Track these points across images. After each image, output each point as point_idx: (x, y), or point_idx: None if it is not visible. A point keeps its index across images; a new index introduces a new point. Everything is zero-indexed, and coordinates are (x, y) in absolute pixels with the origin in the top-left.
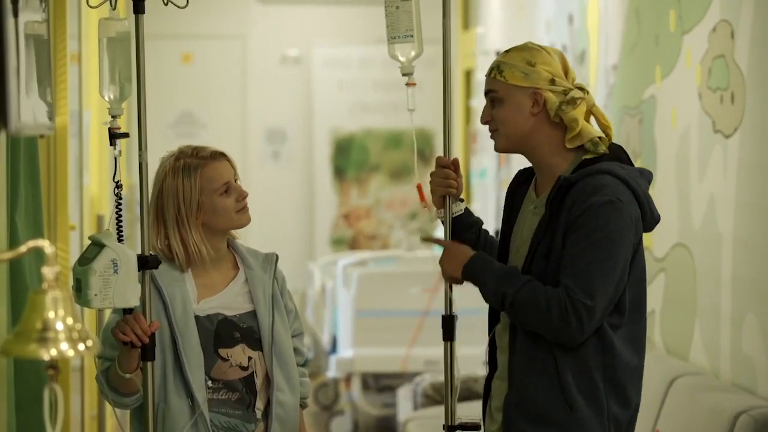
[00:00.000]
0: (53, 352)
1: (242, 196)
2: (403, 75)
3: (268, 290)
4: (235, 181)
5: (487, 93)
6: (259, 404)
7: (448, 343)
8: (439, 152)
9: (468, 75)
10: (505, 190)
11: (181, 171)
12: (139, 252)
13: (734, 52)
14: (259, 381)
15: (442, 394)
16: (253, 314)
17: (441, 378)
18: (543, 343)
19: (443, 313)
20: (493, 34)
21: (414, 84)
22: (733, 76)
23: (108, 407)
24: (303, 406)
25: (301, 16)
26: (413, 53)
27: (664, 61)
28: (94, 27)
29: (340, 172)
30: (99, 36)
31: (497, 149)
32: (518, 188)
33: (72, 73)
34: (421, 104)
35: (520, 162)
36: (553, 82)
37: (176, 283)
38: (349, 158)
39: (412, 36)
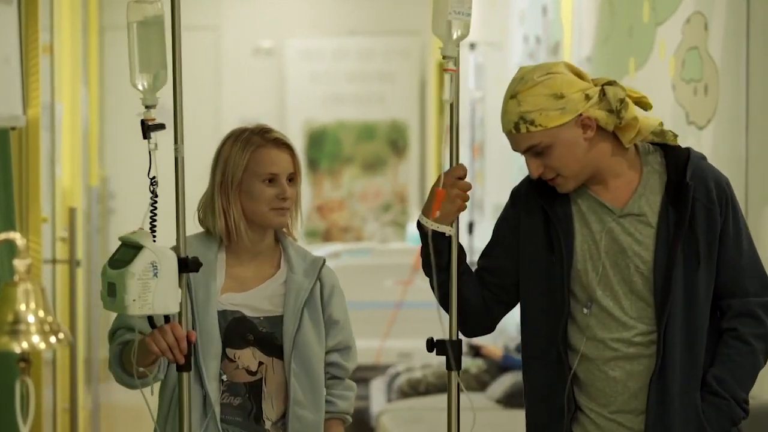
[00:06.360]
0: (24, 344)
1: (283, 195)
2: (444, 58)
3: (302, 296)
4: (289, 180)
5: (526, 150)
6: (271, 414)
7: (452, 373)
8: (414, 144)
9: (442, 67)
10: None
11: (240, 141)
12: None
13: (708, 43)
14: (268, 389)
15: (416, 390)
16: (280, 319)
17: (415, 374)
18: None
19: (416, 305)
20: None
21: (456, 70)
22: (707, 67)
23: (80, 400)
24: (343, 420)
25: (274, 8)
26: (460, 32)
27: (637, 52)
28: (65, 18)
29: (313, 163)
30: (128, 20)
31: (566, 192)
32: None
33: (44, 64)
34: (395, 96)
35: (495, 155)
36: (587, 97)
37: (205, 265)
38: (322, 150)
39: (469, 15)
